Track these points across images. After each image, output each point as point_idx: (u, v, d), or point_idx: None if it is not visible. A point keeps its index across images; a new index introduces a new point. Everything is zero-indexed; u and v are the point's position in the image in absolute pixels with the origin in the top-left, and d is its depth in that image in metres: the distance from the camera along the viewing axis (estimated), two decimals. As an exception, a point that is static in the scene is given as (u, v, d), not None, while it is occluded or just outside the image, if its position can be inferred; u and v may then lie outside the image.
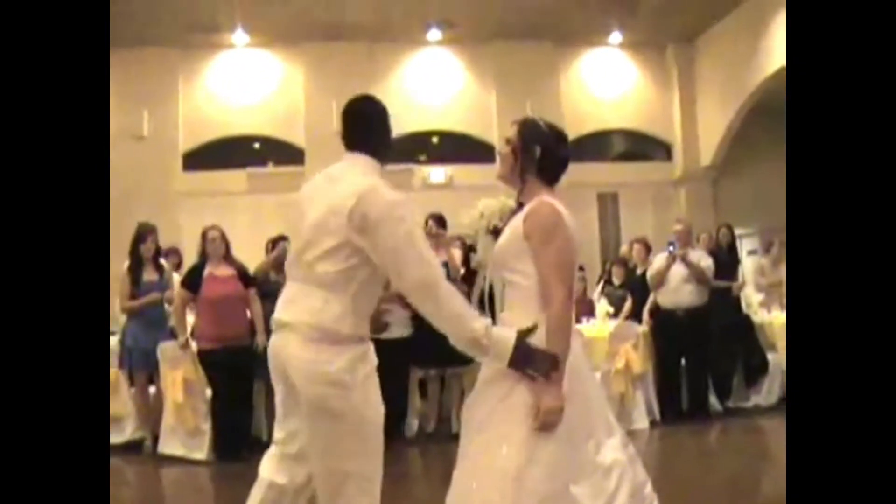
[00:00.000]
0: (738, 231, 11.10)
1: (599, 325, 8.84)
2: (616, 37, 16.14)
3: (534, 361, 2.93)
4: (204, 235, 7.51)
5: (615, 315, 9.30)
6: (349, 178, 3.26)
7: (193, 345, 7.30)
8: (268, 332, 3.75)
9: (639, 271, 9.57)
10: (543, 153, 3.18)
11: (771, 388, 9.07)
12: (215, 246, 7.41)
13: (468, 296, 8.38)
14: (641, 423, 8.11)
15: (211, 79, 15.74)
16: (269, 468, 3.40)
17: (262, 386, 7.56)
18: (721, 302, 8.98)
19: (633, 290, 9.60)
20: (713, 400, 8.84)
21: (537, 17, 14.66)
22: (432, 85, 16.12)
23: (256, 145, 15.92)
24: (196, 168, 15.40)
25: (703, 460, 7.38)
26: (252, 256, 8.16)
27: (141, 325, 7.62)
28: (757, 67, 13.89)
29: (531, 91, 15.52)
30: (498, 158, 3.33)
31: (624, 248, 11.67)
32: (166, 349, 7.43)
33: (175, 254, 9.65)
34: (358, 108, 3.53)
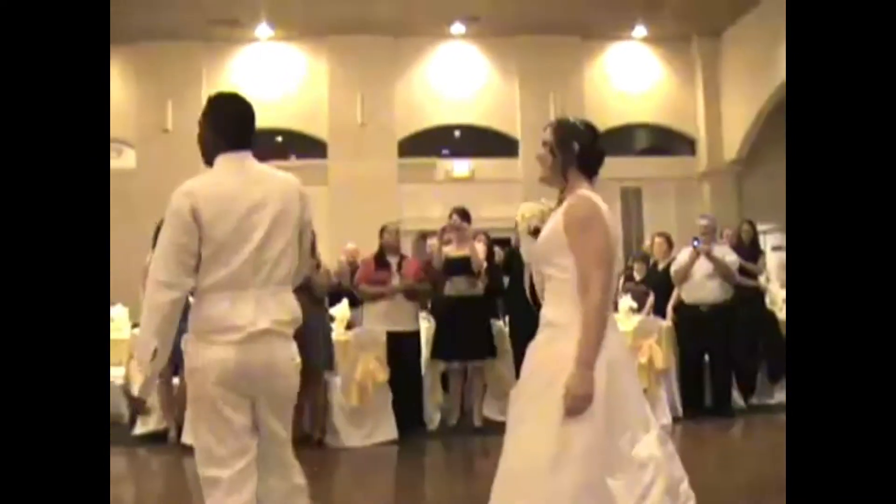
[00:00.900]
0: (762, 226, 11.02)
1: (623, 321, 8.80)
2: (640, 30, 16.07)
3: None
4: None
5: (638, 310, 9.26)
6: (271, 173, 3.40)
7: (217, 337, 7.31)
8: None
9: (660, 266, 9.51)
10: (582, 149, 3.22)
11: (795, 385, 8.98)
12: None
13: (492, 290, 8.36)
14: (664, 419, 8.07)
15: (235, 72, 15.82)
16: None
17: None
18: (745, 298, 8.92)
19: (655, 285, 9.55)
20: (736, 396, 8.79)
21: (561, 11, 14.62)
22: (456, 79, 16.13)
23: (279, 138, 15.98)
24: (221, 161, 15.47)
25: (726, 457, 7.35)
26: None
27: (165, 316, 7.60)
28: (783, 61, 13.77)
29: (554, 85, 15.49)
30: (537, 161, 3.35)
31: (646, 243, 11.62)
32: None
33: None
34: (244, 110, 3.45)
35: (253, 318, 3.21)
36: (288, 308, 3.34)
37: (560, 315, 3.08)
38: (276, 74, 15.80)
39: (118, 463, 7.72)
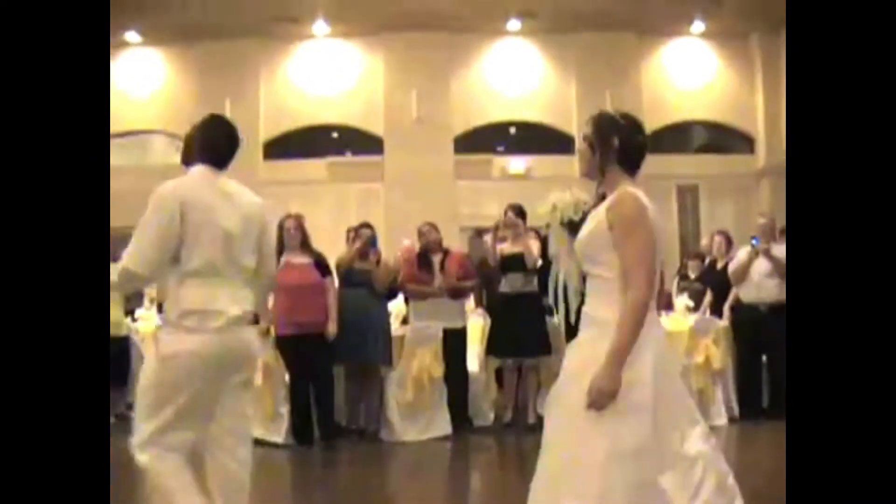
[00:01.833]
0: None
1: (679, 320, 8.71)
2: (698, 26, 15.89)
3: None
4: (281, 225, 7.62)
5: (695, 309, 9.16)
6: (242, 190, 3.81)
7: (273, 330, 7.41)
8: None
9: (719, 265, 9.39)
10: (622, 143, 3.16)
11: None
12: (291, 235, 7.51)
13: (545, 286, 8.36)
14: (720, 419, 7.98)
15: (291, 69, 15.97)
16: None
17: (342, 372, 7.71)
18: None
19: (711, 283, 9.45)
20: (794, 397, 8.65)
21: (618, 7, 14.52)
22: (512, 75, 16.10)
23: (335, 135, 16.10)
24: (277, 157, 15.64)
25: (783, 458, 7.23)
26: (332, 245, 8.26)
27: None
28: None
29: (611, 82, 15.37)
30: (577, 156, 3.32)
31: (704, 242, 11.49)
32: (247, 334, 7.57)
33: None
34: (231, 131, 3.88)
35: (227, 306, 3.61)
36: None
37: (605, 314, 3.03)
38: (332, 71, 15.92)
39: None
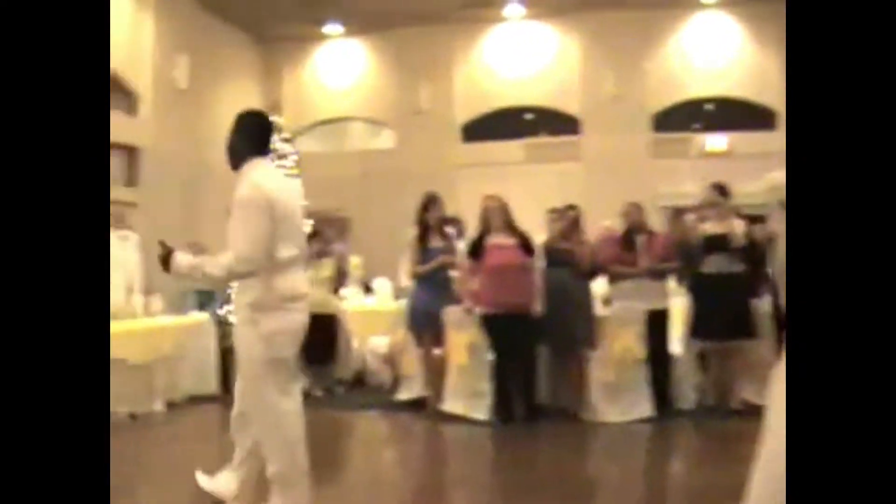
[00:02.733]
0: None
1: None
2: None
3: None
4: (484, 205, 7.73)
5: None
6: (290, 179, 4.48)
7: (477, 310, 7.55)
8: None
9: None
10: None
11: None
12: (494, 216, 7.60)
13: (753, 268, 8.06)
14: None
15: (486, 52, 16.12)
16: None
17: (544, 351, 7.78)
18: None
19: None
20: None
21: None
22: (709, 50, 15.62)
23: (530, 116, 16.14)
24: (473, 139, 15.86)
25: None
26: (528, 226, 8.30)
27: (428, 289, 7.91)
28: None
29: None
30: None
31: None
32: (451, 313, 7.75)
33: (455, 223, 9.97)
34: (266, 119, 4.47)
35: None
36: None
37: None
38: (526, 53, 15.96)
39: (380, 426, 8.18)
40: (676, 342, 8.06)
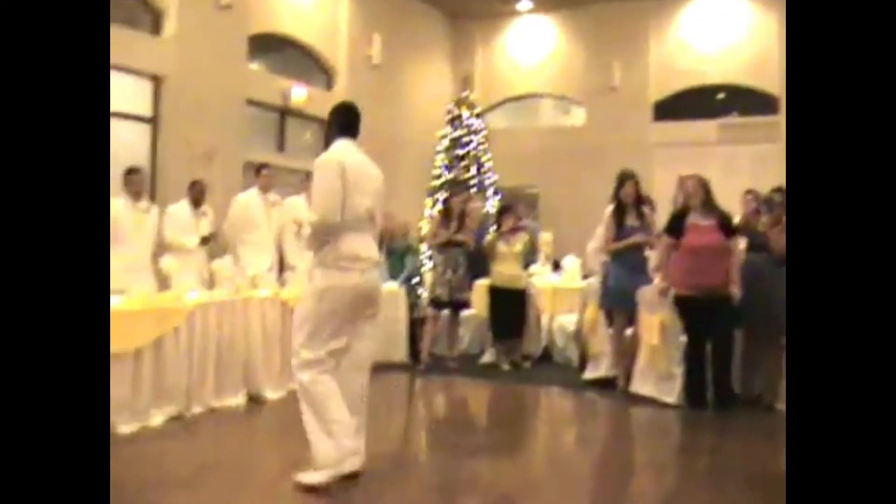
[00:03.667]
0: None
1: None
2: None
3: None
4: (683, 184, 7.53)
5: None
6: (368, 160, 4.84)
7: (672, 291, 7.38)
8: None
9: None
10: None
11: None
12: (692, 194, 7.40)
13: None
14: None
15: (681, 28, 15.66)
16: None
17: (740, 336, 7.53)
18: None
19: None
20: None
21: None
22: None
23: (721, 95, 15.56)
24: (666, 118, 15.49)
25: None
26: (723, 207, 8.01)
27: (623, 267, 7.84)
28: None
29: None
30: None
31: None
32: (645, 293, 7.63)
33: (649, 203, 9.79)
34: (356, 112, 4.91)
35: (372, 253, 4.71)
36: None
37: None
38: (722, 28, 15.36)
39: (566, 403, 8.17)
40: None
